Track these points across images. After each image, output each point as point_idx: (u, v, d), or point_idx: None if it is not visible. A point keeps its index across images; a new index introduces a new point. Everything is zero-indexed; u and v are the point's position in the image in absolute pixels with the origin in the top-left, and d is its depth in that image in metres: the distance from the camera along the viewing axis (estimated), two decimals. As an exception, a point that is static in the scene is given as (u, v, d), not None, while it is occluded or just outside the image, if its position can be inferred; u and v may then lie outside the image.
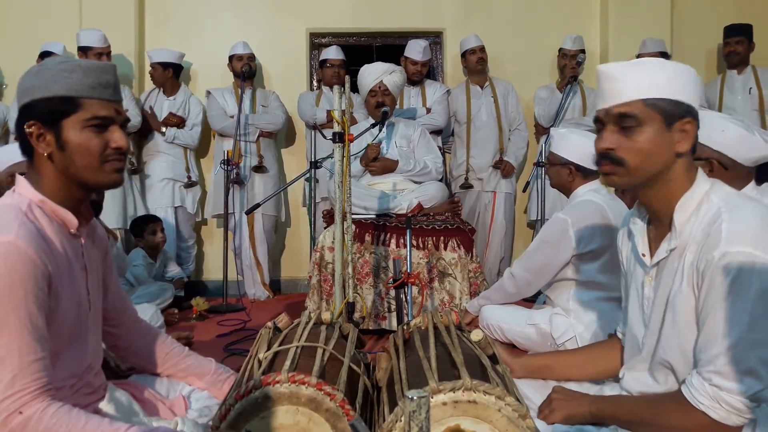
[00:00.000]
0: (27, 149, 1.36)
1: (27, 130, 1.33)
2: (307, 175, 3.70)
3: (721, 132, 1.77)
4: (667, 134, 1.29)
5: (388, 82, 3.79)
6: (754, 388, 1.19)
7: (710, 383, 1.23)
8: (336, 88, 2.67)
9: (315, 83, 5.15)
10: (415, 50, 4.62)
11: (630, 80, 1.30)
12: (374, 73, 3.78)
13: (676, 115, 1.29)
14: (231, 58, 4.62)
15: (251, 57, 4.63)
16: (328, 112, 4.39)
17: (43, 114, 1.32)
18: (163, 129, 4.58)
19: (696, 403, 1.24)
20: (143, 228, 4.09)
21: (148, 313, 3.03)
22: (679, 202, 1.33)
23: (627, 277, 1.55)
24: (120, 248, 3.73)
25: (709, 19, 5.00)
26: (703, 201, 1.32)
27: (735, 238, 1.22)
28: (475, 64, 4.72)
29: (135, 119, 4.42)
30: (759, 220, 1.24)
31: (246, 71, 4.51)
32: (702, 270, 1.26)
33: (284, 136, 5.04)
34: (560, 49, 4.80)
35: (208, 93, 4.69)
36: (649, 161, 1.30)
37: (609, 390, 1.57)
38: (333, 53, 4.72)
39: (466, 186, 4.73)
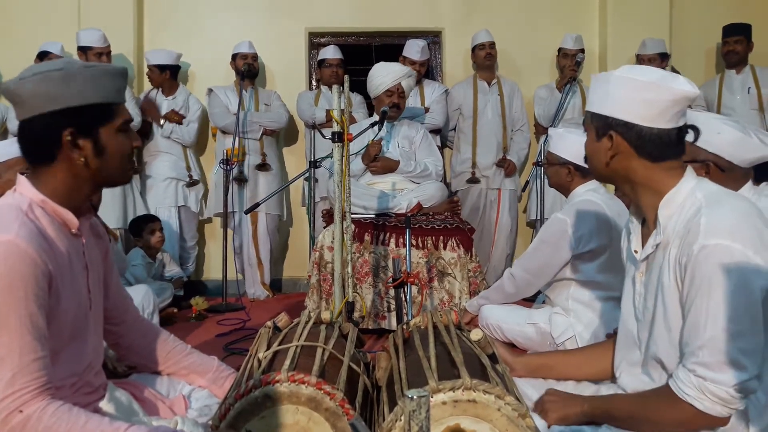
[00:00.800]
0: (45, 154, 1.32)
1: (66, 138, 1.30)
2: (307, 174, 3.70)
3: (717, 134, 1.77)
4: (596, 143, 1.42)
5: (406, 85, 3.78)
6: (739, 378, 1.21)
7: (695, 374, 1.25)
8: (335, 87, 2.67)
9: (314, 83, 5.16)
10: (414, 50, 4.62)
11: (591, 91, 1.47)
12: (394, 74, 3.74)
13: (599, 128, 1.41)
14: (234, 56, 4.62)
15: (254, 57, 4.64)
16: (327, 111, 4.38)
17: (81, 122, 1.31)
18: (162, 122, 4.57)
19: (682, 394, 1.27)
20: (142, 228, 4.10)
21: (140, 293, 2.98)
22: (664, 199, 1.37)
23: (627, 275, 1.57)
24: (120, 248, 3.72)
25: (708, 19, 5.00)
26: (687, 197, 1.35)
27: (713, 232, 1.25)
28: (484, 59, 4.71)
29: (136, 119, 4.41)
30: (737, 214, 1.27)
31: (246, 70, 4.51)
32: (684, 263, 1.29)
33: (284, 135, 5.04)
34: (560, 49, 4.79)
35: (210, 90, 4.67)
36: (592, 162, 1.48)
37: (606, 390, 1.58)
38: (331, 53, 4.72)
39: (473, 180, 4.70)
